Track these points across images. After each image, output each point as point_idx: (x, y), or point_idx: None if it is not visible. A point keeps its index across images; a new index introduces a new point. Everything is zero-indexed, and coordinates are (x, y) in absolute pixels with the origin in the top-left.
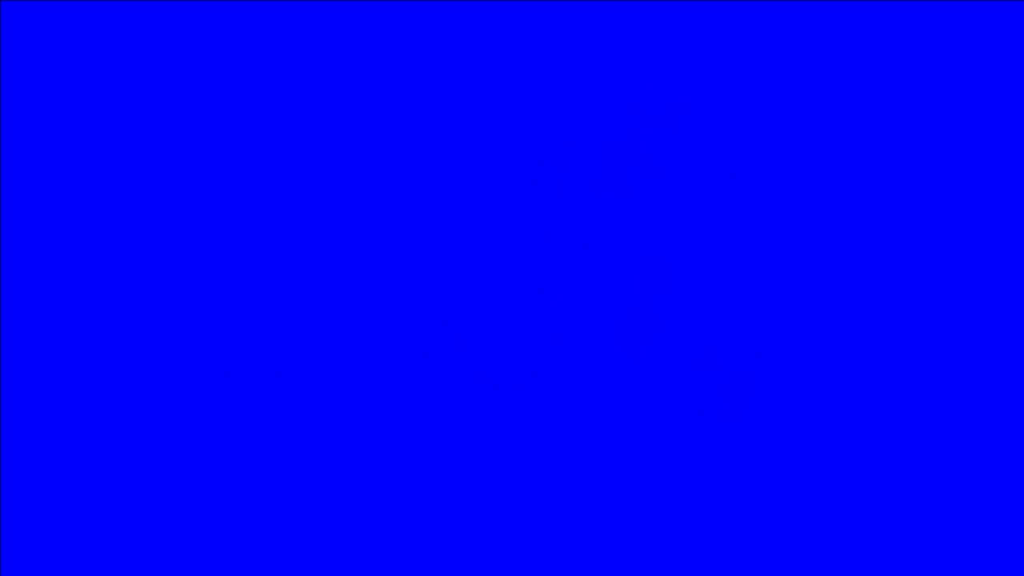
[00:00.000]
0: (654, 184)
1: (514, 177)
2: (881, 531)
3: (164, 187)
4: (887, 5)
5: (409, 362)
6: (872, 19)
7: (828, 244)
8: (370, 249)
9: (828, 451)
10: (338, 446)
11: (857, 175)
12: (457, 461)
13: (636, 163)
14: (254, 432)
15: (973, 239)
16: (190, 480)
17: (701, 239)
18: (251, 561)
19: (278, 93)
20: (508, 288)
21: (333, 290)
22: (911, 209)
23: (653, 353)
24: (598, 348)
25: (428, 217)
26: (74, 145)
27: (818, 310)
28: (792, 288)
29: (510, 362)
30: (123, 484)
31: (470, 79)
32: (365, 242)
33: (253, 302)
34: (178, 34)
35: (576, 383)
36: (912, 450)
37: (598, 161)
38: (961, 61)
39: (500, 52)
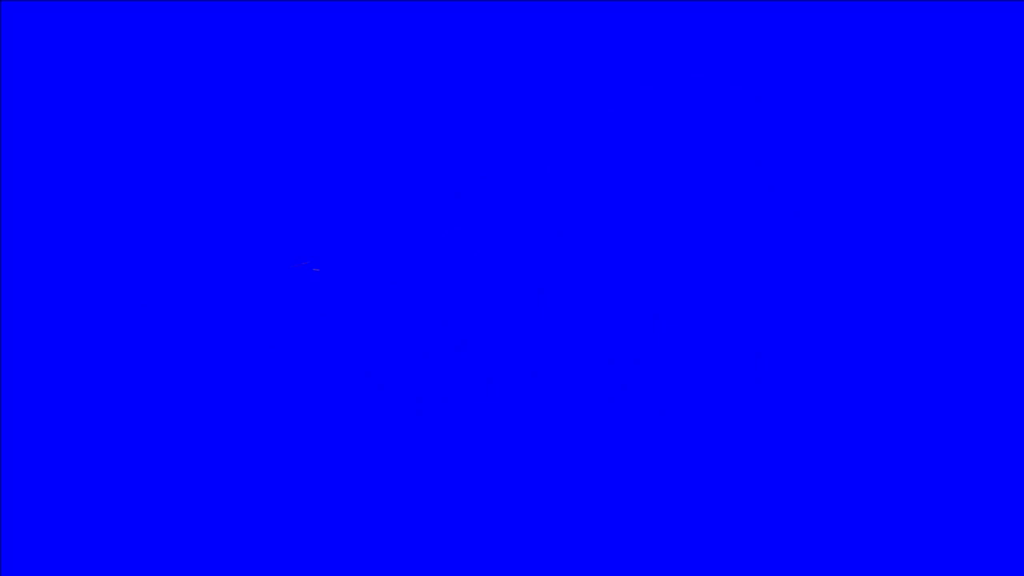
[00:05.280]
0: (652, 184)
1: (512, 176)
2: (881, 531)
3: (164, 187)
4: (887, 5)
5: (406, 359)
6: (872, 19)
7: (828, 244)
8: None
9: (828, 451)
10: (335, 443)
11: (857, 175)
12: (454, 459)
13: (634, 164)
14: (253, 432)
15: (973, 239)
16: (189, 480)
17: (701, 239)
18: (250, 561)
19: (278, 93)
20: (507, 288)
21: (334, 290)
22: (911, 209)
23: (652, 353)
24: (597, 349)
25: (426, 216)
26: (73, 144)
27: (818, 311)
28: (792, 289)
29: (508, 362)
30: (123, 484)
31: (468, 79)
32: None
33: (253, 301)
34: (178, 34)
35: (575, 384)
36: (912, 450)
37: (596, 162)
38: (961, 61)
39: (499, 52)
